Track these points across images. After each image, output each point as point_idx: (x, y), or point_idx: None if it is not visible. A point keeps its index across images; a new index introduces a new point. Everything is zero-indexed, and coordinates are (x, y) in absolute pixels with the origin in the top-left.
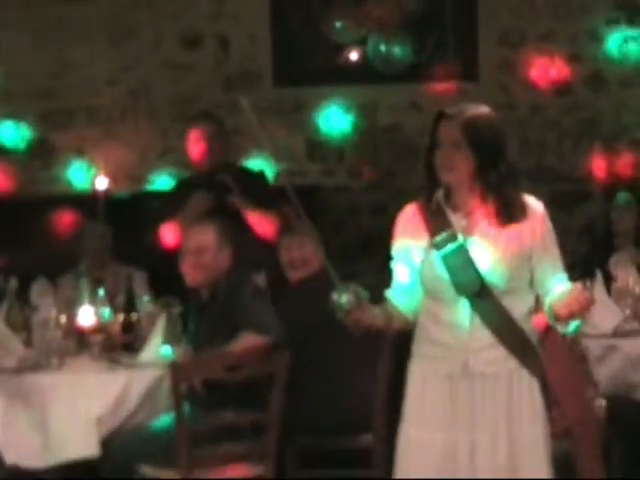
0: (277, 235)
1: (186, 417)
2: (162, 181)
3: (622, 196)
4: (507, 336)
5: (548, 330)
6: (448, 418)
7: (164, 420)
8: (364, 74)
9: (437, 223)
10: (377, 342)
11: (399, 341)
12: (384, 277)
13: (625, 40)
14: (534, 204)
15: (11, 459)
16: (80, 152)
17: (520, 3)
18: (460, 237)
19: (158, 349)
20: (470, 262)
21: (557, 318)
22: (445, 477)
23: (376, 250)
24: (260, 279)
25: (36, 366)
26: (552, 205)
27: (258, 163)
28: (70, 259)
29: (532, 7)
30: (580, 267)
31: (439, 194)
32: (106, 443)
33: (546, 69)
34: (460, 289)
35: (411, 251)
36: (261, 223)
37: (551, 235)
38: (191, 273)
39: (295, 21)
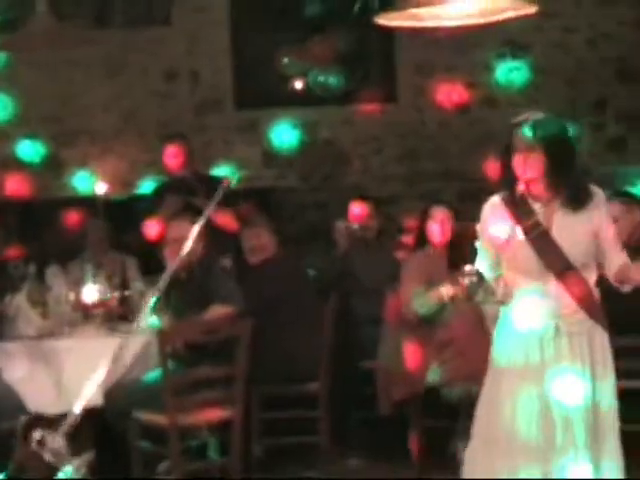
0: (239, 227)
1: (171, 372)
2: (148, 186)
3: None
4: (586, 302)
5: (454, 298)
6: (540, 370)
7: (153, 375)
8: (307, 98)
9: (522, 212)
10: (321, 308)
11: (339, 307)
12: (327, 258)
13: (510, 70)
14: (595, 190)
15: (33, 407)
16: (83, 164)
17: (429, 41)
18: (544, 223)
19: (147, 319)
20: (554, 244)
21: (627, 281)
22: (542, 421)
23: (318, 238)
24: (226, 262)
25: (51, 334)
26: (458, 200)
27: (223, 170)
28: (77, 249)
29: (438, 44)
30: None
31: (521, 187)
32: (107, 394)
33: (450, 93)
34: (549, 267)
35: (496, 235)
36: (222, 219)
37: (609, 214)
38: (173, 258)
39: (251, 58)
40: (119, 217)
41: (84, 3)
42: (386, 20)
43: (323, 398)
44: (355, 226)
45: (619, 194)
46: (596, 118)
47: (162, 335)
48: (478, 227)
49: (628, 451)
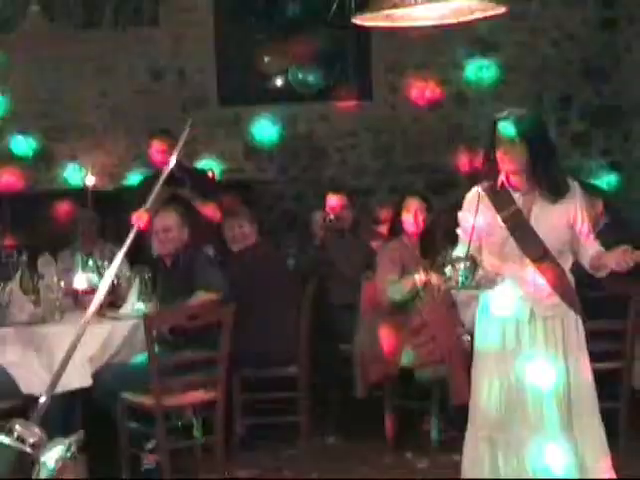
0: (222, 217)
1: (156, 355)
2: (135, 178)
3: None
4: (560, 287)
5: (427, 284)
6: (515, 353)
7: (140, 358)
8: (286, 95)
9: (502, 201)
10: (299, 295)
11: (316, 294)
12: (304, 247)
13: (479, 68)
14: (572, 182)
15: (26, 389)
16: (73, 158)
17: (402, 41)
18: (523, 212)
19: (134, 305)
20: (532, 232)
21: (602, 268)
22: (516, 403)
23: (297, 227)
24: (210, 250)
25: (43, 320)
26: (429, 190)
27: (207, 163)
28: (67, 238)
29: (411, 44)
30: (448, 235)
31: (502, 178)
32: (96, 376)
33: (422, 90)
34: (526, 252)
35: (477, 223)
36: (207, 209)
37: (584, 205)
38: (159, 246)
39: (234, 57)
40: (107, 208)
41: (75, 4)
42: (362, 20)
43: (302, 380)
44: (331, 217)
45: (582, 187)
46: (561, 114)
47: (148, 320)
48: (460, 215)
49: None
